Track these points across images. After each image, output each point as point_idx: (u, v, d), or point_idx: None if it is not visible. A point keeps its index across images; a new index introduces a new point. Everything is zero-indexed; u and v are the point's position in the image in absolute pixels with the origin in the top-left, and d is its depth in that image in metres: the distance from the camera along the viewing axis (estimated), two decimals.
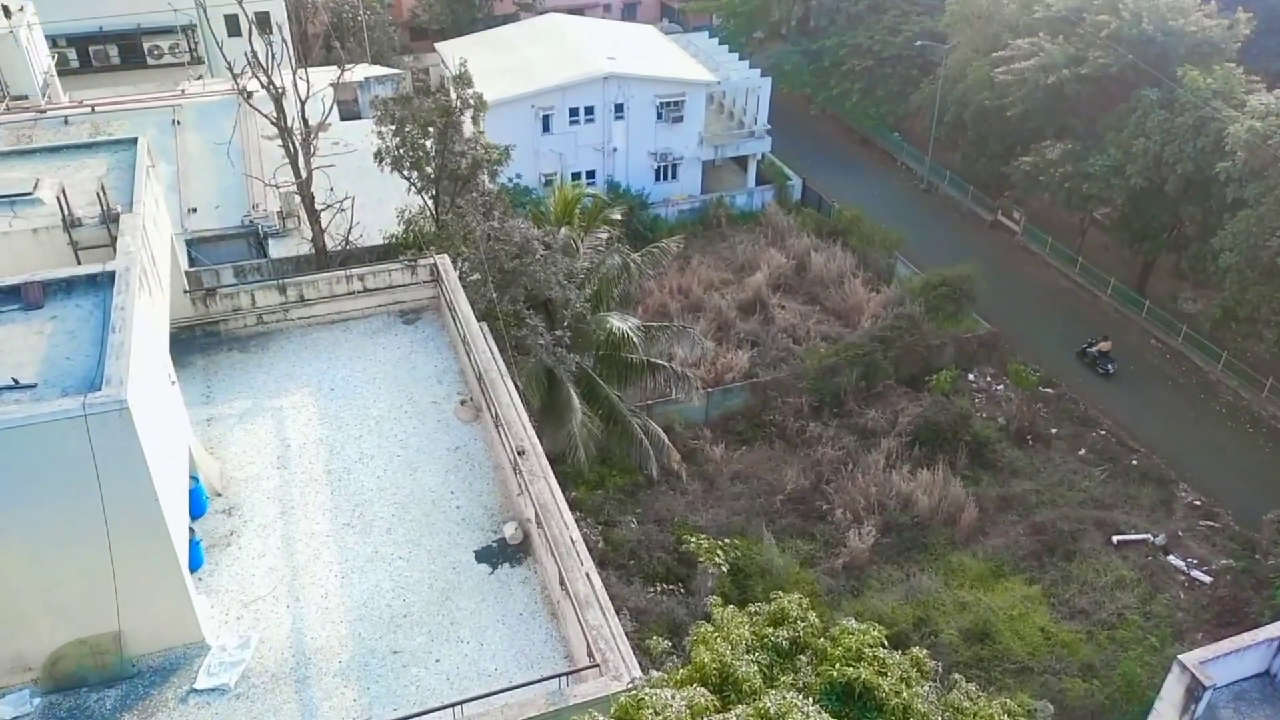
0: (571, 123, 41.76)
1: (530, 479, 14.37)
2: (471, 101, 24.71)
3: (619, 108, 42.10)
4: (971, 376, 35.08)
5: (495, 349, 17.92)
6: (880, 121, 52.01)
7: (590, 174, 42.88)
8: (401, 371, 18.36)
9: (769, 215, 43.97)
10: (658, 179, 44.20)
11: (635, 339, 24.79)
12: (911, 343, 34.44)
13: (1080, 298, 40.34)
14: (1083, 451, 31.66)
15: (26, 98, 30.68)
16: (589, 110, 41.83)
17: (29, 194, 15.66)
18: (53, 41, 36.49)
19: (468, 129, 25.21)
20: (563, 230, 25.73)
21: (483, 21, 55.08)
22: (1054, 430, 32.46)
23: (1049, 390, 34.52)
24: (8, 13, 30.60)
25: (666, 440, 26.36)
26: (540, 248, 23.43)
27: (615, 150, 42.97)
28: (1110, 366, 35.39)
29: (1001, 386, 34.72)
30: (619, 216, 29.49)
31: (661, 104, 42.51)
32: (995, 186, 44.90)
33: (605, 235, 27.44)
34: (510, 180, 36.97)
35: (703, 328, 34.45)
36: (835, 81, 51.99)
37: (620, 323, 24.66)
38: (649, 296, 36.61)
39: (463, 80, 24.82)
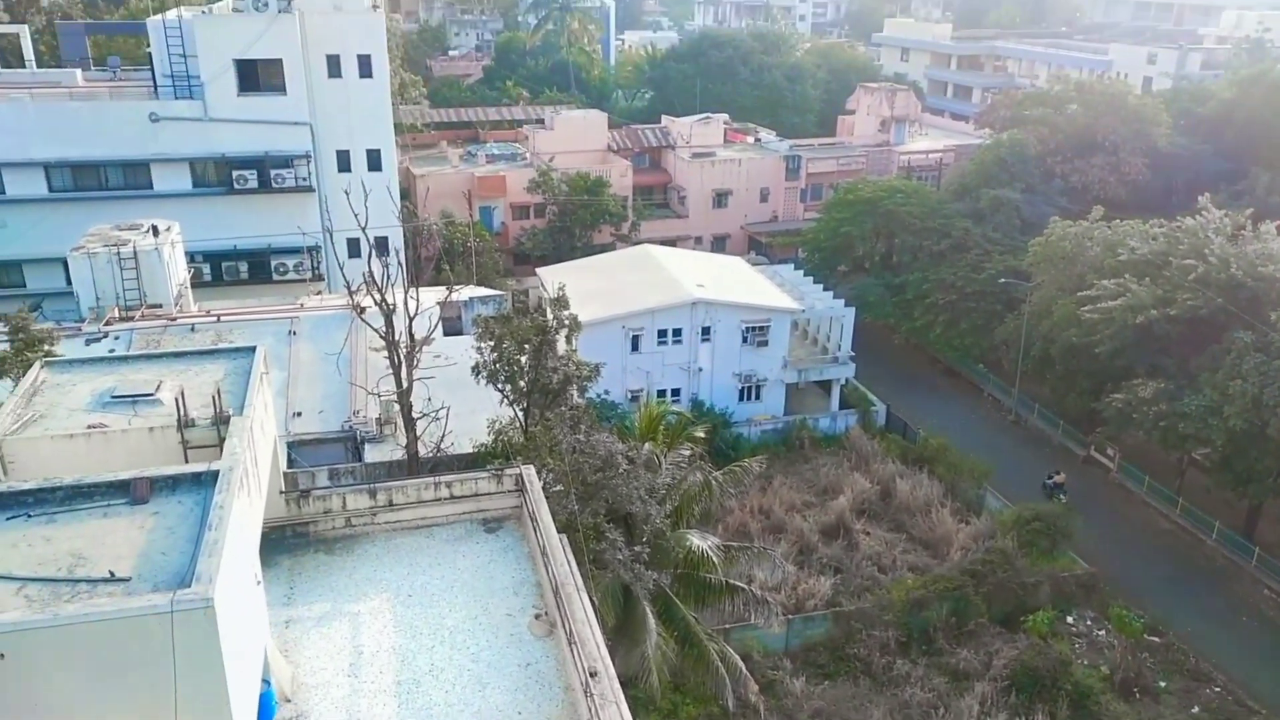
0: (659, 343, 43.25)
1: (601, 703, 13.86)
2: (566, 322, 25.98)
3: (706, 331, 43.56)
4: (1070, 619, 33.13)
5: (573, 562, 17.82)
6: (965, 353, 52.39)
7: (675, 392, 43.84)
8: (479, 581, 18.31)
9: (853, 439, 43.85)
10: (741, 399, 44.87)
11: (715, 559, 24.37)
12: (1005, 579, 32.95)
13: (1183, 540, 38.37)
14: (1195, 709, 29.07)
15: (161, 306, 33.37)
16: (677, 332, 43.37)
17: (151, 395, 16.76)
18: (190, 257, 40.04)
19: (561, 347, 26.35)
20: (646, 446, 26.08)
21: (581, 250, 58.54)
22: (1162, 684, 30.03)
23: (1155, 639, 32.25)
24: (155, 232, 33.91)
25: (744, 669, 25.23)
26: (624, 462, 23.71)
27: (700, 370, 44.07)
28: (1063, 497, 36.71)
29: (1103, 632, 32.62)
30: (702, 434, 29.80)
31: (747, 329, 43.83)
32: (1087, 421, 44.10)
33: (688, 452, 27.64)
34: (598, 396, 38.00)
35: (784, 550, 33.72)
36: (919, 314, 53.02)
37: (700, 541, 24.37)
38: (729, 515, 36.25)
39: (560, 302, 26.22)
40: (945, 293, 51.26)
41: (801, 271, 52.81)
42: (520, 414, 25.49)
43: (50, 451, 15.35)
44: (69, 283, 34.16)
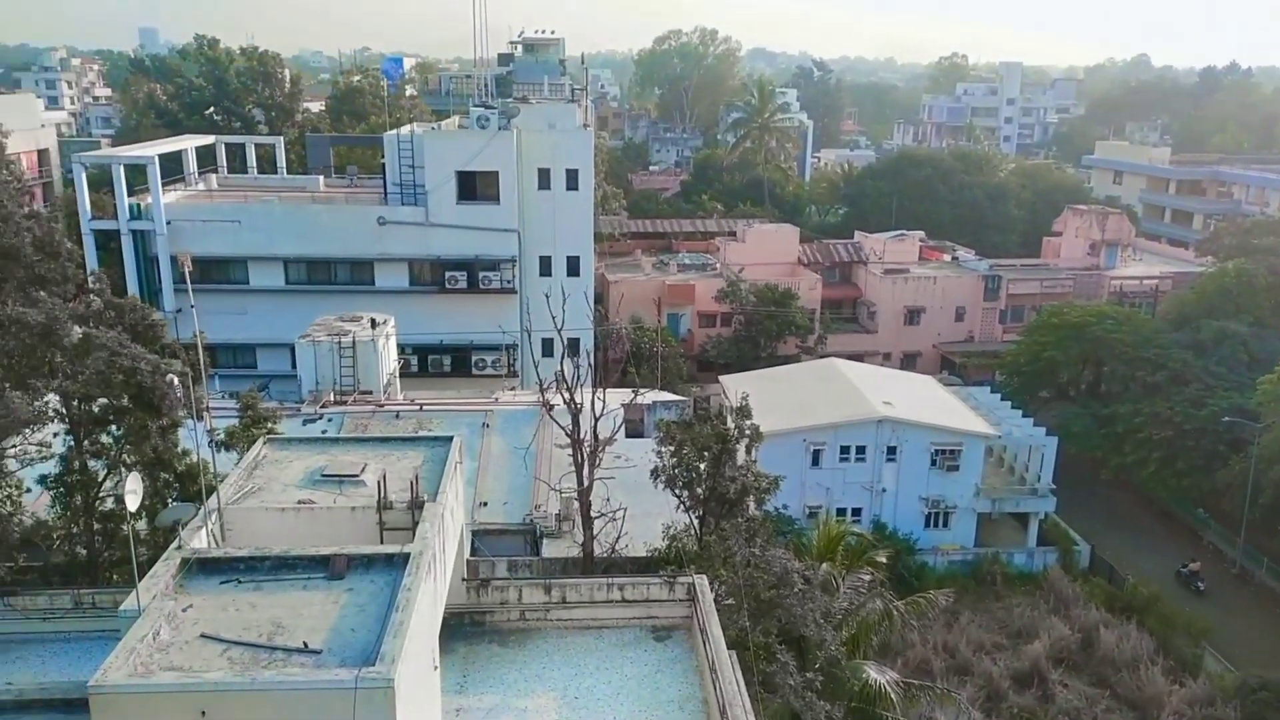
0: (841, 460, 42.12)
1: None
2: (747, 431, 25.81)
3: (891, 450, 42.10)
4: None
5: (742, 682, 17.20)
6: (1182, 495, 47.94)
7: (856, 512, 42.34)
8: (645, 690, 17.98)
9: (1051, 580, 40.68)
10: (927, 525, 42.76)
11: (893, 695, 22.91)
12: None
13: None
14: None
15: (371, 393, 35.75)
16: (860, 450, 42.15)
17: (356, 475, 17.82)
18: (401, 348, 42.88)
19: (741, 456, 26.14)
20: (824, 566, 25.18)
21: (765, 360, 58.52)
22: None
23: None
24: (374, 324, 36.63)
25: None
26: (799, 581, 22.92)
27: (884, 491, 42.46)
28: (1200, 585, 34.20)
29: None
30: (884, 559, 28.50)
31: (936, 451, 42.05)
32: None
33: (868, 577, 26.45)
34: (776, 509, 37.23)
35: (970, 694, 31.33)
36: (1130, 449, 49.14)
37: (877, 674, 23.02)
38: (910, 650, 34.17)
39: (742, 411, 26.13)
40: (1160, 428, 47.38)
41: (999, 395, 50.43)
42: (696, 521, 25.30)
43: (263, 522, 16.52)
44: (294, 366, 37.28)
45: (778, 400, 43.88)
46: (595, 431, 24.85)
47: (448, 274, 47.11)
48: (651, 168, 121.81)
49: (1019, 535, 44.00)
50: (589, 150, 49.59)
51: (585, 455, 24.86)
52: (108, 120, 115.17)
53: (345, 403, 34.34)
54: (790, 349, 60.94)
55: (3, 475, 22.72)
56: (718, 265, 68.71)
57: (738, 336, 61.21)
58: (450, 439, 19.80)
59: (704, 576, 20.55)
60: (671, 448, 25.06)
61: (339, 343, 35.10)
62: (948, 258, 71.72)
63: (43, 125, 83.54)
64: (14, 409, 20.96)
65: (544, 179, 47.84)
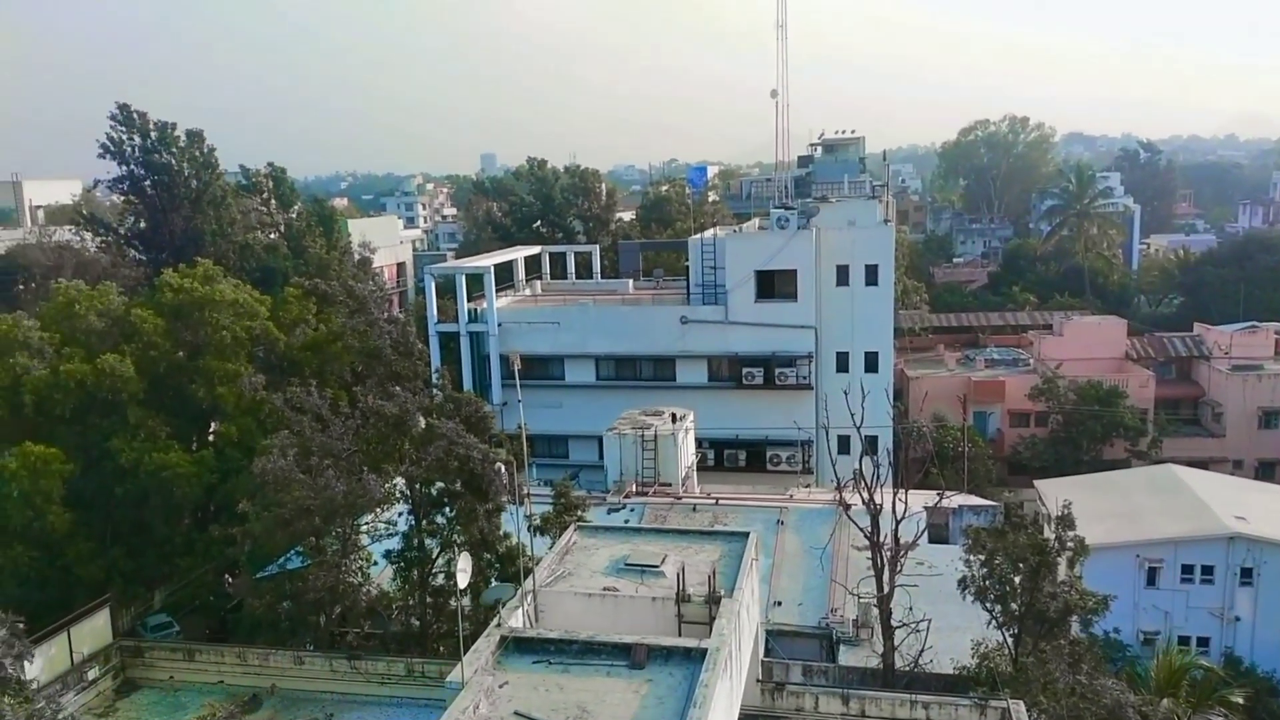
0: (1183, 581, 37.13)
1: None
2: (1070, 543, 23.57)
3: (1246, 572, 36.52)
4: None
5: None
6: None
7: (1202, 641, 36.89)
8: None
9: None
10: None
11: None
12: None
13: None
14: None
15: (670, 485, 36.89)
16: (1206, 570, 36.96)
17: (656, 566, 18.37)
18: (698, 442, 43.96)
19: (1062, 571, 23.88)
20: (1164, 702, 22.19)
21: (1088, 464, 53.54)
22: None
23: None
24: (675, 419, 37.98)
25: None
26: (1135, 717, 20.32)
27: (1238, 620, 36.75)
28: None
29: None
30: (1240, 700, 24.62)
31: None
32: None
33: (1220, 718, 22.92)
34: (1105, 633, 33.43)
35: None
36: None
37: None
38: None
39: (1064, 521, 23.96)
40: None
41: None
42: (1010, 640, 23.29)
43: (572, 606, 17.42)
44: (600, 457, 39.43)
45: (1105, 510, 39.77)
46: (896, 535, 23.87)
47: (745, 370, 47.99)
48: (955, 260, 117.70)
49: None
50: (889, 245, 49.02)
51: (885, 559, 23.91)
52: (453, 235, 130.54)
53: (646, 493, 35.64)
54: (1118, 453, 55.29)
55: (357, 549, 25.81)
56: (1031, 360, 64.51)
57: (1055, 438, 56.60)
58: (746, 535, 19.92)
59: (1020, 702, 18.84)
60: (982, 557, 23.42)
61: (642, 436, 36.68)
62: None
63: (401, 242, 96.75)
64: (370, 489, 23.90)
65: (843, 275, 47.82)
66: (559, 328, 50.06)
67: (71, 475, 32.83)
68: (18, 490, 31.49)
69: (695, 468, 40.37)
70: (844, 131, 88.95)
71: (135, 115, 56.96)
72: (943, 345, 71.39)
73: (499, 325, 49.63)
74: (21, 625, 18.36)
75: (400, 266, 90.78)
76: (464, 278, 50.47)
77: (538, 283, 60.25)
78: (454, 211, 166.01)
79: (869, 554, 24.25)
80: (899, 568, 23.99)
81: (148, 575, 36.45)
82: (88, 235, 61.22)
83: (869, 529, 23.91)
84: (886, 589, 23.92)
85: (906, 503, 23.96)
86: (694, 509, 34.30)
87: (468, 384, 48.39)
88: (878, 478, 24.62)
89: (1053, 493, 38.76)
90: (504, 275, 55.65)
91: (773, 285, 48.02)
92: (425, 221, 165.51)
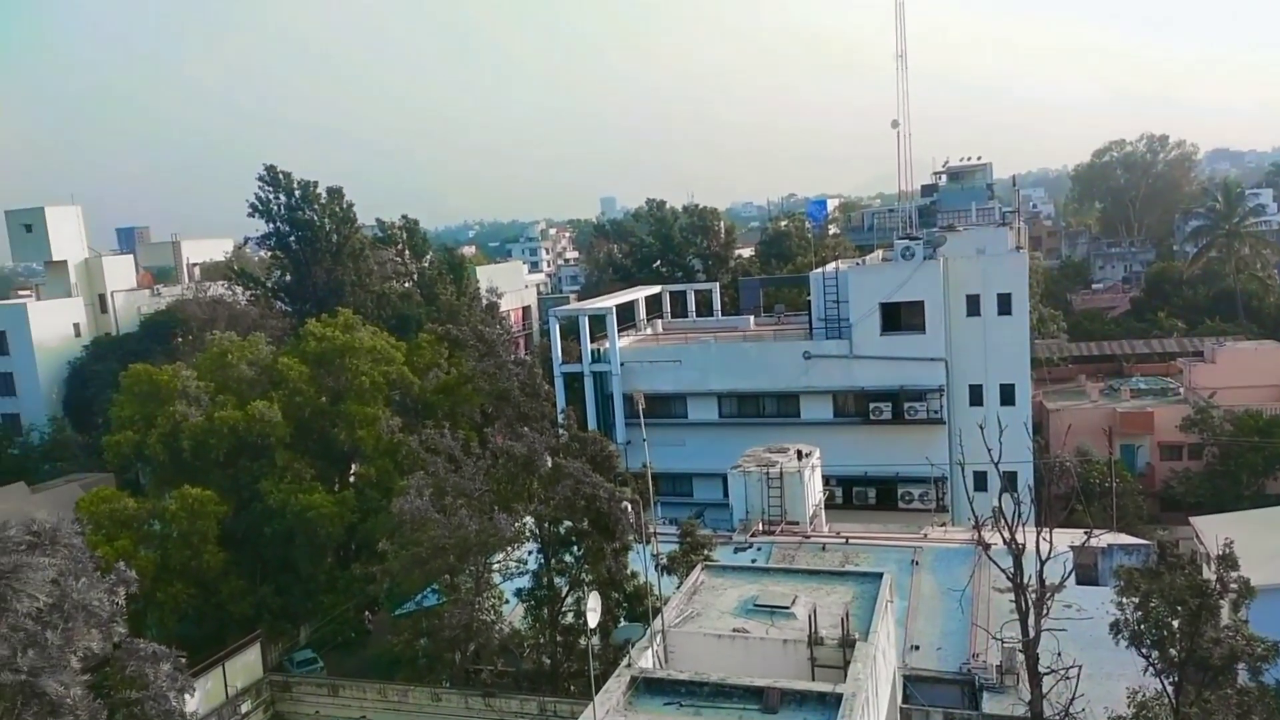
0: None
1: None
2: (1234, 585, 21.90)
3: None
4: None
5: None
6: None
7: None
8: None
9: None
10: None
11: None
12: None
13: None
14: None
15: (797, 523, 36.22)
16: None
17: (786, 608, 18.01)
18: (826, 479, 43.10)
19: (1226, 615, 22.20)
20: None
21: (1249, 499, 49.80)
22: None
23: None
24: (800, 455, 37.38)
25: None
26: None
27: None
28: None
29: None
30: None
31: None
32: None
33: None
34: (1276, 682, 30.84)
35: None
36: None
37: None
38: None
39: (1226, 561, 22.31)
40: None
41: None
42: (1170, 689, 21.72)
43: (701, 647, 17.24)
44: (725, 495, 39.11)
45: (1271, 548, 36.80)
46: (1041, 576, 22.71)
47: (872, 405, 46.92)
48: (1094, 286, 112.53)
49: None
50: (1022, 273, 47.26)
51: (1030, 602, 22.77)
52: (575, 278, 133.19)
53: (773, 532, 35.10)
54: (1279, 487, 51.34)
55: (490, 587, 26.33)
56: (1181, 390, 60.83)
57: (1211, 471, 52.93)
58: (880, 576, 19.36)
59: None
60: (1135, 599, 22.00)
61: (767, 473, 36.23)
62: None
63: (526, 286, 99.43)
64: (501, 528, 24.40)
65: (973, 305, 46.34)
66: (681, 366, 50.20)
67: (225, 516, 34.74)
68: (177, 531, 33.54)
69: (823, 506, 39.55)
70: (969, 158, 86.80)
71: (280, 175, 60.71)
72: (1084, 375, 68.20)
73: (621, 365, 50.14)
74: (183, 660, 19.42)
75: (525, 310, 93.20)
76: (587, 319, 51.33)
77: (659, 322, 60.71)
78: (576, 255, 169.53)
79: (1011, 596, 23.14)
80: (1045, 611, 22.80)
81: (294, 612, 38.10)
82: (239, 289, 65.33)
83: (1011, 570, 22.84)
84: (1032, 633, 22.75)
85: (1051, 542, 22.80)
86: (823, 548, 33.55)
87: (592, 423, 48.96)
88: (1019, 516, 23.55)
89: (1211, 530, 36.12)
90: (625, 315, 56.31)
91: (899, 318, 46.96)
92: (548, 265, 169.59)
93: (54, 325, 65.64)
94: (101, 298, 70.06)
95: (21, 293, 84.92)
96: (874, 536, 35.75)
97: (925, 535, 35.49)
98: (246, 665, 25.12)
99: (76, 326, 67.12)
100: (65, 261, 69.89)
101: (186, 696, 19.57)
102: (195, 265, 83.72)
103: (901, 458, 45.51)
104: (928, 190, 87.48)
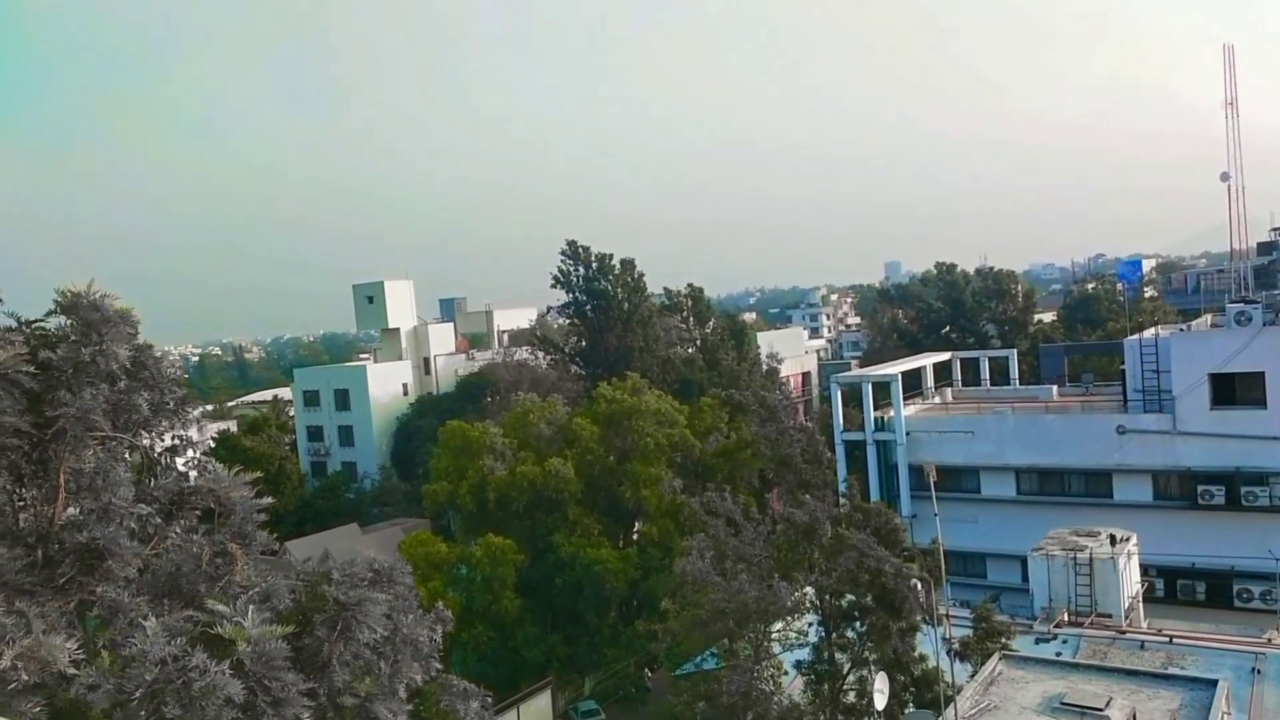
0: None
1: None
2: None
3: None
4: None
5: None
6: None
7: None
8: None
9: None
10: None
11: None
12: None
13: None
14: None
15: (1110, 616, 32.64)
16: None
17: (1100, 710, 16.23)
18: (1144, 569, 38.65)
19: None
20: None
21: None
22: None
23: None
24: (1114, 541, 33.84)
25: None
26: None
27: None
28: None
29: None
30: None
31: None
32: None
33: None
34: None
35: None
36: None
37: None
38: None
39: None
40: None
41: None
42: None
43: None
44: (1024, 580, 36.11)
45: None
46: None
47: (1200, 488, 41.67)
48: None
49: None
50: None
51: None
52: (856, 344, 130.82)
53: (1081, 624, 31.85)
54: None
55: (769, 656, 25.96)
56: None
57: None
58: (1215, 683, 17.02)
59: None
60: None
61: (1074, 559, 33.08)
62: None
63: (806, 352, 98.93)
64: (781, 596, 24.08)
65: None
66: (973, 437, 47.44)
67: (522, 564, 37.09)
68: (480, 576, 36.23)
69: (1141, 599, 35.44)
70: None
71: (580, 249, 65.16)
72: None
73: (908, 434, 48.24)
74: (489, 698, 20.74)
75: (805, 376, 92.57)
76: (870, 385, 50.04)
77: (948, 390, 57.92)
78: (857, 320, 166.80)
79: None
80: None
81: (580, 662, 39.69)
82: (540, 354, 70.43)
83: None
84: None
85: None
86: (1142, 646, 29.94)
87: (875, 494, 47.34)
88: None
89: None
90: (911, 383, 54.30)
91: (1233, 390, 41.63)
92: (829, 331, 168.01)
93: (387, 385, 74.18)
94: (426, 361, 78.38)
95: (362, 356, 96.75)
96: (1205, 637, 31.43)
97: (1269, 640, 30.73)
98: (539, 710, 26.41)
99: (405, 386, 75.44)
100: (398, 329, 79.03)
101: None
102: (504, 332, 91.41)
103: (1237, 549, 39.95)
104: (1264, 249, 77.65)
